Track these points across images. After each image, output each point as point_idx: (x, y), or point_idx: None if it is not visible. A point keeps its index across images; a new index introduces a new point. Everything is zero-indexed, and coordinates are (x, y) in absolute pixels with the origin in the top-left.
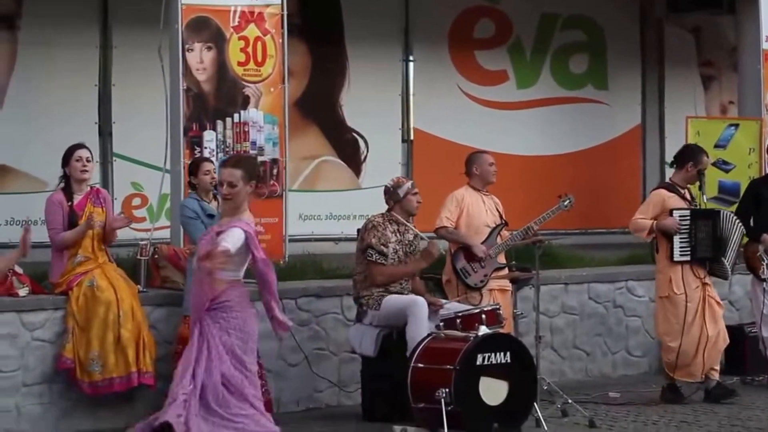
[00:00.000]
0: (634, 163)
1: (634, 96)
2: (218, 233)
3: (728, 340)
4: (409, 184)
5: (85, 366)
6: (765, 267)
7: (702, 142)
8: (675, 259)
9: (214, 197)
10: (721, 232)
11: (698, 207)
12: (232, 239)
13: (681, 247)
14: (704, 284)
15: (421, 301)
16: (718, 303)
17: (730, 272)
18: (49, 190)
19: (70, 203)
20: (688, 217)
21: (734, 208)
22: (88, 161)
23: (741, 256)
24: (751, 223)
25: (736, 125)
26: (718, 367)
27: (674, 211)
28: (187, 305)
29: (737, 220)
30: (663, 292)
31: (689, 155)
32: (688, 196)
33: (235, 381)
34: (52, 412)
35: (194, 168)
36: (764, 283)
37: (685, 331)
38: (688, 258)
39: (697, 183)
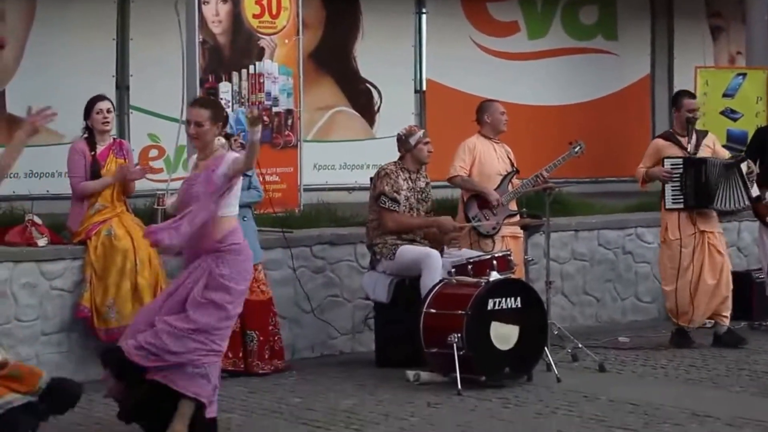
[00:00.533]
0: (643, 112)
1: (644, 46)
2: (191, 184)
3: (731, 287)
4: (420, 133)
5: (101, 314)
6: None
7: (710, 92)
8: (667, 206)
9: (242, 146)
10: (707, 179)
11: (692, 155)
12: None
13: (673, 195)
14: (702, 232)
15: (435, 254)
16: (719, 252)
17: (740, 207)
18: (67, 142)
19: (93, 153)
20: (681, 166)
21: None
22: (108, 112)
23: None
24: (758, 171)
25: (744, 75)
26: (727, 314)
27: (665, 160)
28: None
29: (721, 163)
30: (661, 237)
31: (673, 101)
32: (687, 144)
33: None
34: (70, 361)
35: None
36: None
37: (679, 276)
38: (680, 206)
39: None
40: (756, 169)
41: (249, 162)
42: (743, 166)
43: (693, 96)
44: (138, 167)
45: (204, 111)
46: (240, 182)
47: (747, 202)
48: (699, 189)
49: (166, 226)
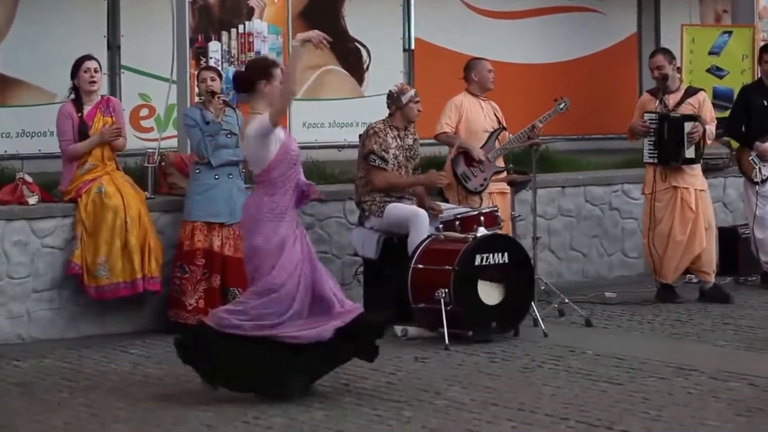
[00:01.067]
0: (630, 70)
1: (630, 5)
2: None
3: (705, 245)
4: (412, 92)
5: (92, 271)
6: (757, 171)
7: (696, 50)
8: (645, 160)
9: (225, 103)
10: (667, 135)
11: (666, 111)
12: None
13: (649, 150)
14: (675, 187)
15: (422, 213)
16: (691, 208)
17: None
18: (59, 102)
19: (80, 114)
20: (656, 121)
21: (728, 113)
22: (96, 72)
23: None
24: (743, 129)
25: (730, 33)
26: (710, 270)
27: (645, 114)
28: (187, 211)
29: (676, 119)
30: (642, 191)
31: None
32: (666, 100)
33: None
34: (61, 317)
35: (197, 76)
36: (756, 186)
37: (652, 230)
38: (655, 160)
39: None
40: (700, 132)
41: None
42: (687, 125)
43: (658, 53)
44: (112, 127)
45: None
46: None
47: (678, 162)
48: (661, 145)
49: None
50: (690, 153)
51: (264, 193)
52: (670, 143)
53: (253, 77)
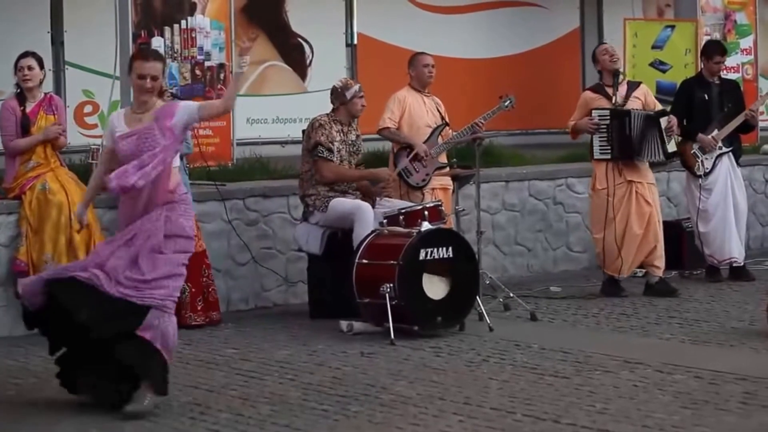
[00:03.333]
0: (573, 65)
1: None
2: (143, 137)
3: (660, 239)
4: (356, 87)
5: (38, 268)
6: (699, 164)
7: (639, 44)
8: (595, 156)
9: (173, 96)
10: (631, 131)
11: (618, 107)
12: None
13: (600, 146)
14: (630, 182)
15: (366, 207)
16: (647, 202)
17: (656, 160)
18: (3, 99)
19: (22, 108)
20: (607, 117)
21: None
22: (30, 69)
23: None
24: (685, 122)
25: (673, 27)
26: (660, 264)
27: (593, 111)
28: None
29: (643, 115)
30: (591, 187)
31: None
32: (615, 96)
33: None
34: (8, 314)
35: None
36: (699, 180)
37: (607, 225)
38: (608, 156)
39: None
40: (675, 124)
41: (228, 105)
42: (663, 121)
43: (605, 44)
44: (54, 125)
45: (159, 64)
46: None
47: (662, 157)
48: (623, 140)
49: (133, 168)
50: (672, 147)
51: None
52: (629, 139)
53: None
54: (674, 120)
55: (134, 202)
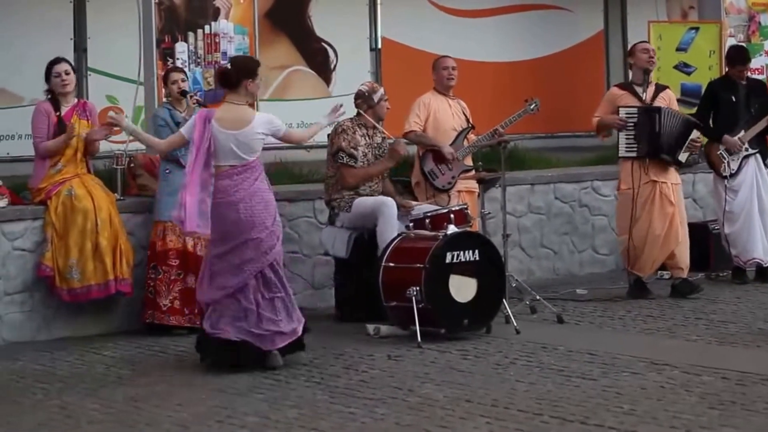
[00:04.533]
0: (597, 68)
1: (597, 2)
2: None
3: (680, 239)
4: (381, 90)
5: (63, 274)
6: (726, 165)
7: (664, 46)
8: (621, 154)
9: (197, 102)
10: (661, 128)
11: (648, 105)
12: None
13: (627, 144)
14: (655, 182)
15: (389, 201)
16: (670, 202)
17: (683, 162)
18: (27, 105)
19: (58, 113)
20: (635, 115)
21: (696, 109)
22: (66, 74)
23: (700, 152)
24: (711, 124)
25: (697, 29)
26: (683, 266)
27: (621, 109)
28: (157, 211)
29: (679, 116)
30: (617, 187)
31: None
32: (645, 94)
33: None
34: (33, 320)
35: (164, 78)
36: (725, 181)
37: (632, 225)
38: (633, 154)
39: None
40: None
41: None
42: (694, 133)
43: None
44: (101, 127)
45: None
46: None
47: (671, 160)
48: (652, 138)
49: None
50: (683, 158)
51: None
52: (658, 137)
53: (239, 75)
54: (701, 140)
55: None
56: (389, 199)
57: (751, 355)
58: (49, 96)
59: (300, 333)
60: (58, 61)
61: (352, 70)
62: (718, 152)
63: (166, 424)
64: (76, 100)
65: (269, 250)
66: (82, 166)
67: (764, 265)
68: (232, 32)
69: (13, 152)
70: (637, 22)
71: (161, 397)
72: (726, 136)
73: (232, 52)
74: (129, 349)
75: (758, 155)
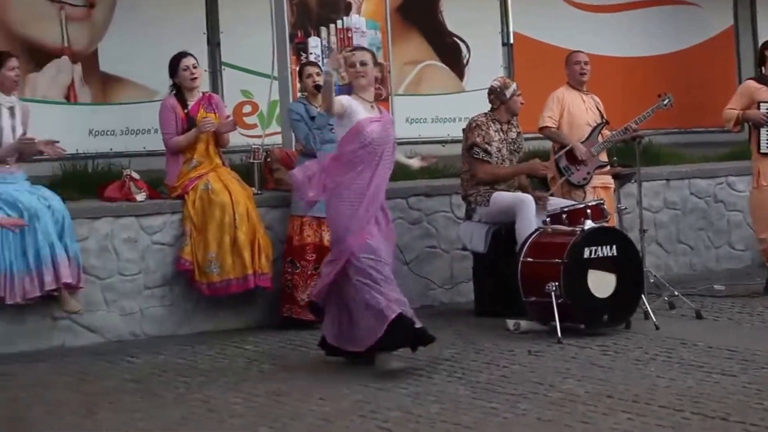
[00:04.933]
0: (728, 63)
1: None
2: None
3: None
4: (514, 85)
5: (203, 268)
6: None
7: None
8: (762, 151)
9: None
10: None
11: None
12: None
13: None
14: None
15: (528, 199)
16: None
17: None
18: (160, 99)
19: (185, 110)
20: None
21: None
22: (195, 68)
23: None
24: None
25: None
26: None
27: (761, 104)
28: (294, 205)
29: None
30: (753, 183)
31: (763, 47)
32: None
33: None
34: (174, 314)
35: (299, 72)
36: None
37: None
38: None
39: None
40: None
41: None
42: None
43: None
44: (229, 119)
45: (366, 53)
46: None
47: None
48: None
49: None
50: None
51: None
52: None
53: None
54: None
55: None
56: (528, 196)
57: None
58: (174, 91)
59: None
60: (184, 55)
61: (485, 65)
62: None
63: (309, 418)
64: (201, 94)
65: None
66: (216, 158)
67: None
68: (364, 27)
69: (149, 147)
70: (767, 18)
71: (303, 391)
72: None
73: (364, 46)
74: (270, 344)
75: None
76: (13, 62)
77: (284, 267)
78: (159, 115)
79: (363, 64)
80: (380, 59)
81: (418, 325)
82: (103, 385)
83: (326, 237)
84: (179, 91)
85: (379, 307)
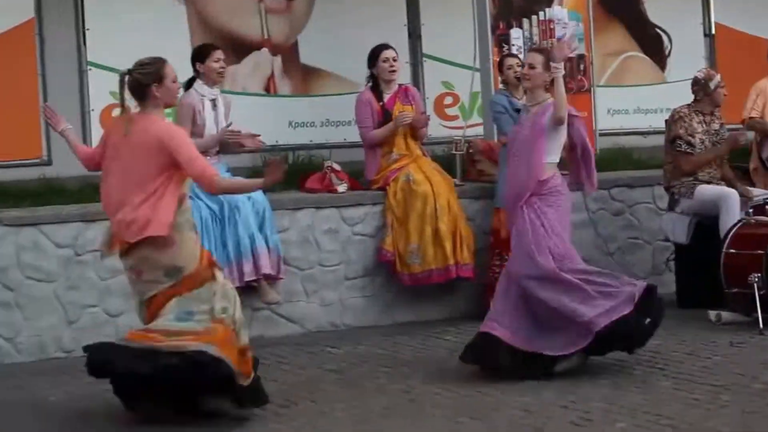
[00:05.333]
0: None
1: None
2: (520, 128)
3: None
4: (718, 77)
5: (404, 258)
6: None
7: None
8: None
9: (525, 92)
10: None
11: None
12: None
13: None
14: None
15: (733, 194)
16: None
17: None
18: (359, 91)
19: (381, 103)
20: None
21: None
22: (394, 61)
23: None
24: None
25: None
26: None
27: None
28: (498, 198)
29: None
30: None
31: None
32: None
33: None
34: (374, 305)
35: (499, 64)
36: None
37: None
38: None
39: None
40: None
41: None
42: None
43: None
44: (423, 114)
45: (538, 55)
46: (561, 131)
47: None
48: None
49: None
50: None
51: None
52: None
53: None
54: None
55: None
56: (732, 190)
57: None
58: (370, 83)
59: None
60: (386, 47)
61: (686, 56)
62: None
63: (510, 410)
64: (397, 86)
65: None
66: (416, 150)
67: None
68: (566, 18)
69: (349, 138)
70: None
71: (505, 381)
72: None
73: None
74: (471, 334)
75: None
76: (218, 54)
77: (492, 259)
78: (355, 109)
79: (531, 67)
80: (582, 50)
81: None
82: (303, 375)
83: None
84: (376, 82)
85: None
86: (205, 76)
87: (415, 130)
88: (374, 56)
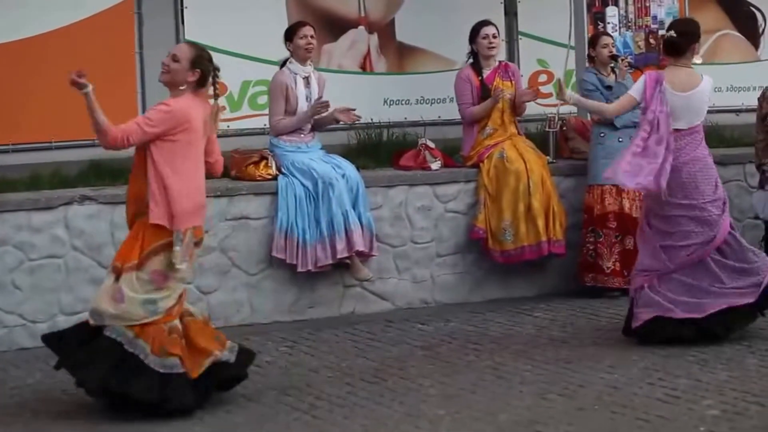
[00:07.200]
0: None
1: None
2: None
3: None
4: None
5: (496, 235)
6: None
7: None
8: None
9: (612, 70)
10: None
11: None
12: None
13: None
14: None
15: None
16: None
17: None
18: (456, 69)
19: (480, 78)
20: None
21: None
22: (494, 37)
23: None
24: None
25: None
26: None
27: None
28: (591, 174)
29: None
30: None
31: None
32: None
33: None
34: (465, 282)
35: (593, 41)
36: None
37: None
38: None
39: None
40: None
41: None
42: None
43: None
44: (530, 89)
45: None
46: None
47: None
48: None
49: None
50: None
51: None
52: None
53: (689, 42)
54: None
55: None
56: None
57: None
58: (471, 60)
59: None
60: (486, 23)
61: None
62: None
63: (598, 386)
64: (497, 62)
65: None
66: (511, 127)
67: None
68: None
69: (444, 116)
70: None
71: (593, 358)
72: None
73: (662, 16)
74: (561, 311)
75: None
76: (305, 30)
77: (585, 236)
78: (454, 86)
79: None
80: None
81: None
82: (393, 352)
83: (627, 205)
84: (476, 59)
85: None
86: (295, 54)
87: (517, 106)
88: (474, 32)
